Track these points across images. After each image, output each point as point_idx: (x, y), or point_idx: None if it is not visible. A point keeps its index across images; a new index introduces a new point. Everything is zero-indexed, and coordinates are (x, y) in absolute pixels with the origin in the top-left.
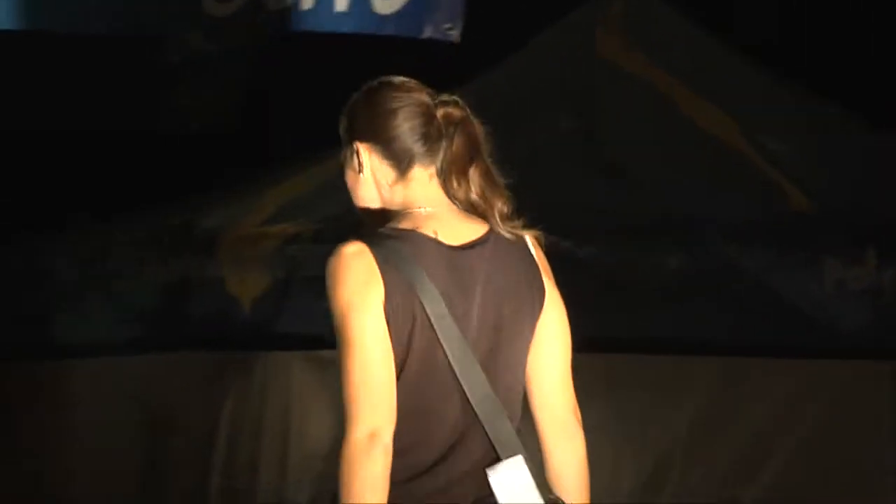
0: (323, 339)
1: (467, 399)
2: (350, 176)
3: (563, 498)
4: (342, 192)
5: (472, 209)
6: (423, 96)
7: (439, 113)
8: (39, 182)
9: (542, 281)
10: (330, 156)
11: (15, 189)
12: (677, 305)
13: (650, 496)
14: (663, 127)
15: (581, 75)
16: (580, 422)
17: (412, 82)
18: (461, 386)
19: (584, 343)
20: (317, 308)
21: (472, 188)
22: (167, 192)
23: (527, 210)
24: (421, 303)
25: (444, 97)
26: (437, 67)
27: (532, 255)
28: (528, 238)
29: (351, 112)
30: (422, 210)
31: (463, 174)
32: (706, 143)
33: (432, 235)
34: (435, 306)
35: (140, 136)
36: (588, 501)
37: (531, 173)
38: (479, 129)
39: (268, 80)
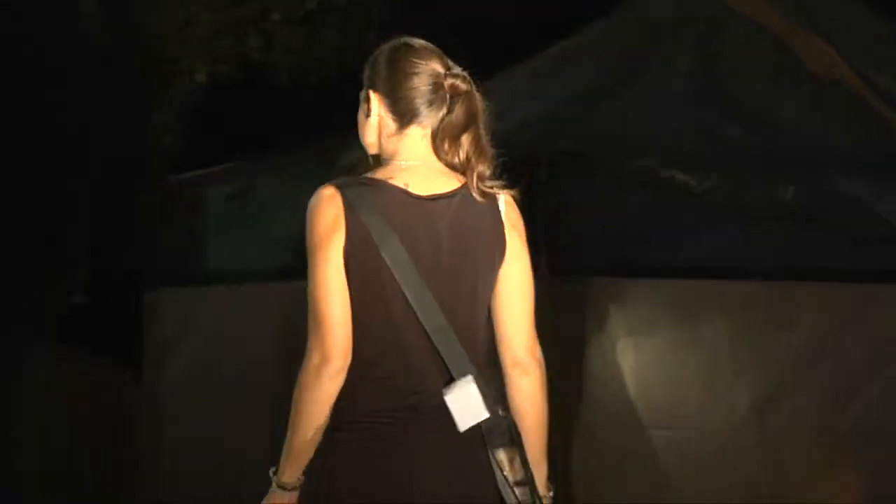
0: None
1: (425, 331)
2: (360, 116)
3: (520, 422)
4: None
5: (455, 169)
6: (437, 66)
7: (447, 83)
8: (195, 123)
9: (504, 235)
10: None
11: (175, 130)
12: (791, 234)
13: (765, 416)
14: (779, 67)
15: (701, 18)
16: (538, 361)
17: (431, 49)
18: (419, 317)
19: (701, 271)
20: None
21: (460, 152)
22: (311, 132)
23: (648, 144)
24: (379, 245)
25: (456, 70)
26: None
27: (500, 213)
28: (503, 197)
29: (373, 64)
30: (401, 163)
31: (455, 139)
32: (820, 82)
33: (402, 186)
34: (391, 249)
35: (287, 81)
36: (544, 429)
37: (654, 110)
38: (480, 103)
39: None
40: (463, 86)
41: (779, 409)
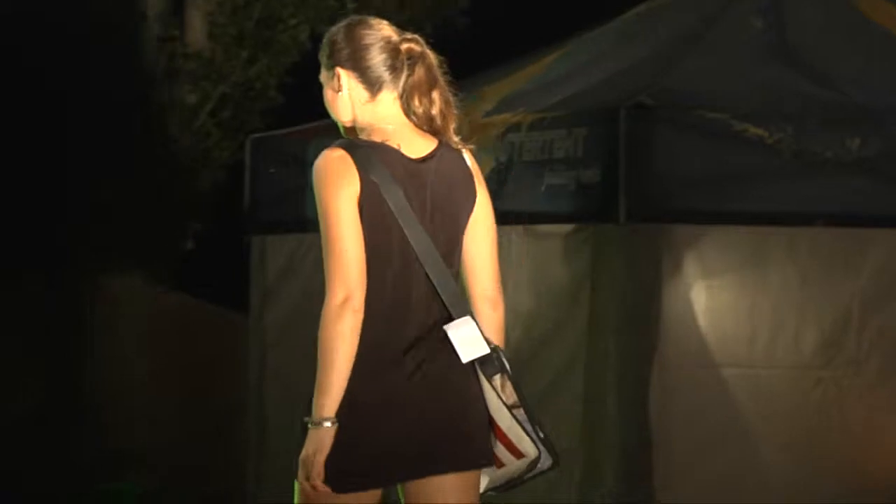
0: (537, 214)
1: (426, 274)
2: (329, 94)
3: None
4: (554, 87)
5: (429, 124)
6: (391, 33)
7: (403, 47)
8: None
9: (475, 185)
10: (544, 55)
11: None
12: (857, 183)
13: (831, 356)
14: (847, 24)
15: None
16: (502, 295)
17: (383, 22)
18: (420, 259)
19: (771, 218)
20: (533, 187)
21: (433, 107)
22: None
23: (723, 98)
24: (384, 197)
25: (407, 35)
26: None
27: (468, 166)
28: (465, 152)
29: (333, 43)
30: (388, 127)
31: (426, 95)
32: (886, 39)
33: (396, 147)
34: (396, 200)
35: None
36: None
37: (729, 67)
38: (435, 60)
39: None
40: (417, 48)
41: (844, 350)
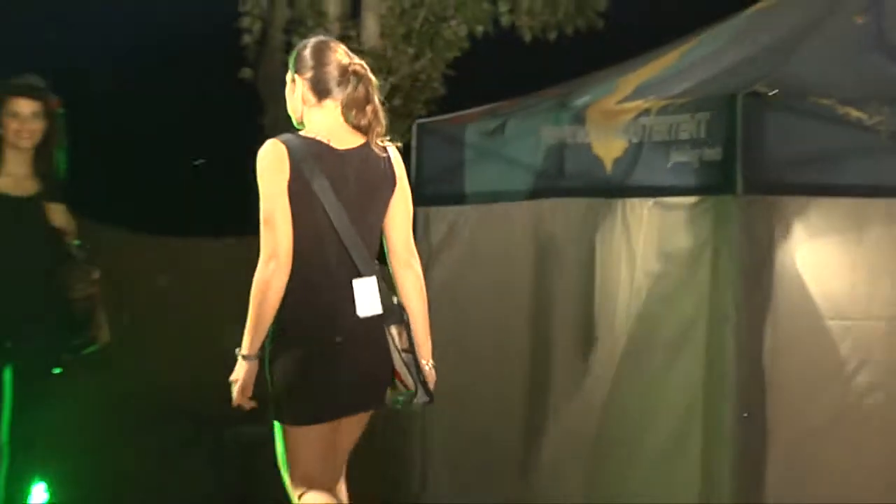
0: (665, 188)
1: (343, 244)
2: (288, 93)
3: (407, 307)
4: (679, 78)
5: (359, 130)
6: (343, 57)
7: (351, 69)
8: (459, 72)
9: (395, 175)
10: (671, 50)
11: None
12: None
13: None
14: None
15: None
16: (416, 260)
17: (340, 46)
18: (339, 233)
19: (871, 191)
20: (661, 164)
21: (363, 118)
22: (549, 80)
23: (828, 85)
24: (309, 180)
25: (356, 59)
26: None
27: (391, 159)
28: (391, 148)
29: (299, 56)
30: (325, 126)
31: (361, 109)
32: None
33: (326, 141)
34: (320, 183)
35: (530, 38)
36: (425, 313)
37: (833, 57)
38: (374, 82)
39: None
40: (361, 70)
41: None
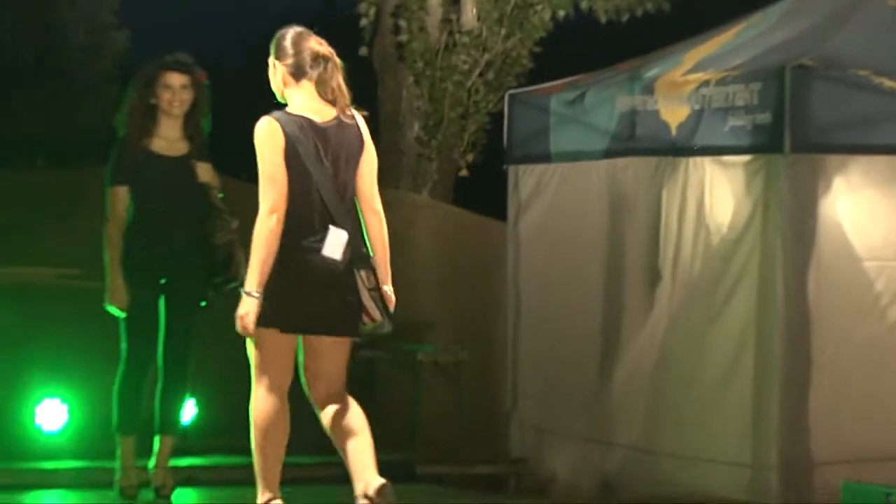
0: (723, 148)
1: (323, 198)
2: (271, 76)
3: (372, 249)
4: (736, 52)
5: (332, 103)
6: (315, 44)
7: (321, 53)
8: (546, 49)
9: (363, 139)
10: (728, 29)
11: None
12: None
13: None
14: None
15: None
16: (380, 208)
17: (312, 35)
18: (321, 191)
19: None
20: (720, 128)
21: (331, 94)
22: (622, 56)
23: (865, 59)
24: (298, 149)
25: (325, 46)
26: None
27: (359, 126)
28: (358, 115)
29: (278, 43)
30: (304, 102)
31: (328, 85)
32: None
33: (308, 116)
34: (306, 150)
35: (605, 20)
36: (386, 255)
37: (869, 35)
38: (339, 63)
39: None
40: (328, 54)
41: None
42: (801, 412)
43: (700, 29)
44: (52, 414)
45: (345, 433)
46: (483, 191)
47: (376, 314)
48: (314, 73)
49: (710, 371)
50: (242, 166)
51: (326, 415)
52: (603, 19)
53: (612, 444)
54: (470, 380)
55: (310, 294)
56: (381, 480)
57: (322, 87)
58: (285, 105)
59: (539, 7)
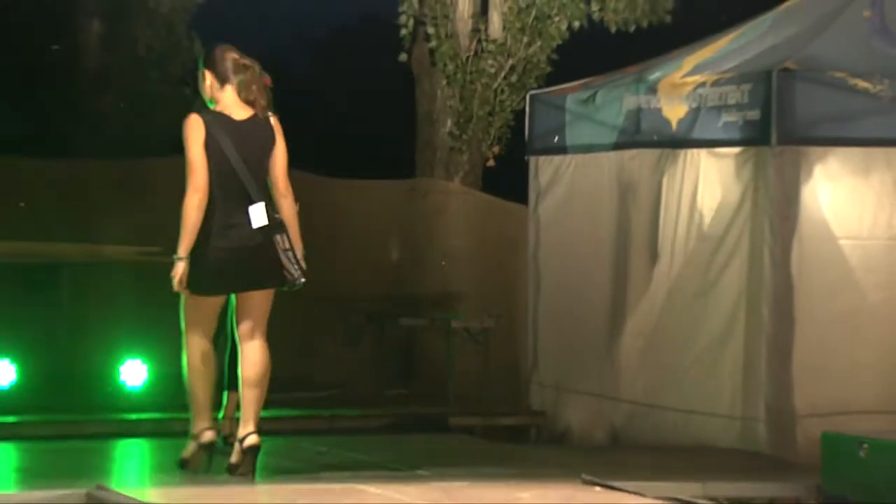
0: (717, 141)
1: (241, 180)
2: (200, 83)
3: (285, 221)
4: (729, 57)
5: (250, 104)
6: (237, 55)
7: (241, 63)
8: (563, 56)
9: (275, 136)
10: (722, 37)
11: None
12: None
13: None
14: None
15: None
16: (289, 192)
17: (233, 49)
18: (238, 174)
19: (875, 142)
20: (716, 123)
21: (251, 95)
22: (629, 61)
23: (841, 62)
24: (218, 140)
25: (245, 57)
26: None
27: (272, 125)
28: (272, 117)
29: (208, 55)
30: (227, 103)
31: (249, 90)
32: None
33: (228, 114)
34: (225, 142)
35: (615, 30)
36: (295, 224)
37: (845, 42)
38: (256, 71)
39: None
40: (249, 64)
41: None
42: (786, 371)
43: (697, 37)
44: (134, 372)
45: (246, 382)
46: (507, 179)
47: (292, 269)
48: (236, 80)
49: (706, 335)
50: (309, 159)
51: (244, 354)
52: (613, 29)
53: (620, 400)
54: (496, 344)
55: (233, 259)
56: (256, 441)
57: (242, 92)
58: (212, 106)
59: (557, 18)
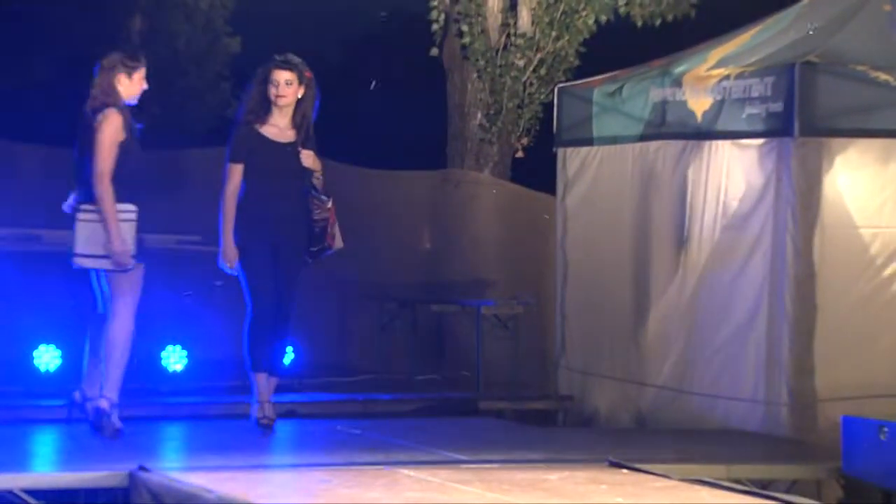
0: (741, 132)
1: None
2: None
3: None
4: (753, 51)
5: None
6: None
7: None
8: (590, 50)
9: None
10: (746, 31)
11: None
12: None
13: None
14: None
15: None
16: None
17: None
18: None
19: (894, 132)
20: (739, 115)
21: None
22: (654, 55)
23: (862, 56)
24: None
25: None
26: None
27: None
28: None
29: (116, 61)
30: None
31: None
32: None
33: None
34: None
35: (641, 24)
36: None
37: (865, 36)
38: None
39: None
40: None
41: None
42: (807, 356)
43: (722, 31)
44: (174, 357)
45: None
46: (536, 169)
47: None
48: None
49: (731, 321)
50: (342, 149)
51: None
52: (639, 23)
53: (646, 385)
54: (524, 330)
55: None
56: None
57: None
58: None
59: (584, 13)
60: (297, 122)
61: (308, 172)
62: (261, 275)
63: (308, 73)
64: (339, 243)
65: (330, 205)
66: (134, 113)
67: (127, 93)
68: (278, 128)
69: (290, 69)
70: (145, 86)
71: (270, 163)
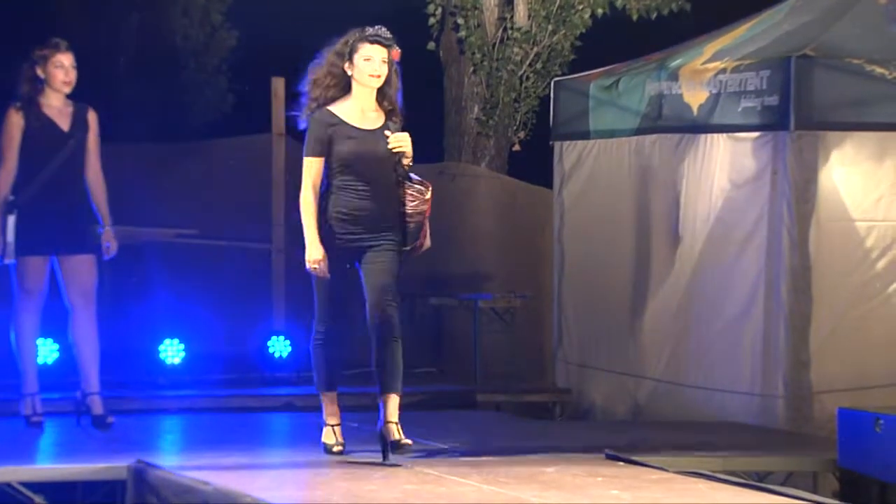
0: (736, 126)
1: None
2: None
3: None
4: (748, 44)
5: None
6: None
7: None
8: (586, 43)
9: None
10: (741, 24)
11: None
12: None
13: None
14: None
15: None
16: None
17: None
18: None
19: (888, 126)
20: (735, 109)
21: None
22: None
23: (857, 49)
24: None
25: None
26: None
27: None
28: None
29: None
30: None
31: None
32: None
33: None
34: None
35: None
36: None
37: (861, 29)
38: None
39: None
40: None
41: None
42: (803, 348)
43: (718, 25)
44: (171, 351)
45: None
46: (533, 163)
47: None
48: None
49: (726, 314)
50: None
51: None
52: (635, 17)
53: (643, 377)
54: (522, 323)
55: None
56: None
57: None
58: None
59: (580, 7)
60: (384, 104)
61: (397, 159)
62: (338, 281)
63: (396, 53)
64: (428, 243)
65: (429, 196)
66: (133, 107)
67: (52, 81)
68: (362, 111)
69: (384, 44)
70: (72, 74)
71: (354, 151)
